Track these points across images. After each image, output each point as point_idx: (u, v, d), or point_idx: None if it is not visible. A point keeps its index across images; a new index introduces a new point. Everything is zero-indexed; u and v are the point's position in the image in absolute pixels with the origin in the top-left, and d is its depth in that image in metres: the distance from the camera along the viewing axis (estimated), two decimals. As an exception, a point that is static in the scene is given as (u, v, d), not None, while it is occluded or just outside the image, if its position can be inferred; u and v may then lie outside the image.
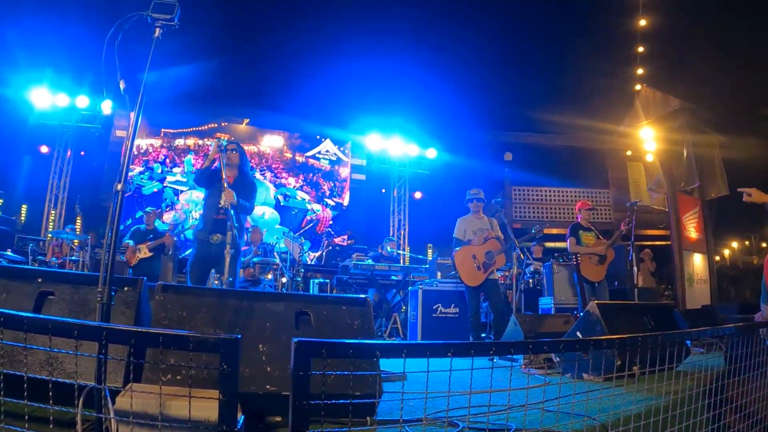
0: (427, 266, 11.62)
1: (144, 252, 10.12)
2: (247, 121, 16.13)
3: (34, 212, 14.46)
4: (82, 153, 14.56)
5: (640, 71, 18.92)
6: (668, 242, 18.58)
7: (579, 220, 9.57)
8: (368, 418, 2.95)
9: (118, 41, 2.96)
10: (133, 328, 2.00)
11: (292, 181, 16.46)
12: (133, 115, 2.93)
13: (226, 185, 6.20)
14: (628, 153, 20.17)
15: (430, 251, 15.19)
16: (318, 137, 16.94)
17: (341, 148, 17.16)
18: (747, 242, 38.92)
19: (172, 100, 14.71)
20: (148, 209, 10.95)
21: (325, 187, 16.88)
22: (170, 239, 10.30)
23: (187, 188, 14.85)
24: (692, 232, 18.65)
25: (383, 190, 17.41)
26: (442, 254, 12.13)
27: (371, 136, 16.45)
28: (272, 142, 16.39)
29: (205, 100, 15.90)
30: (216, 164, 6.51)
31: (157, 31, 3.01)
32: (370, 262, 10.82)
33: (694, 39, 15.83)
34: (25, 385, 1.89)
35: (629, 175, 20.63)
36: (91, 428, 2.36)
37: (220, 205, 6.33)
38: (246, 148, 14.96)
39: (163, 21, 3.00)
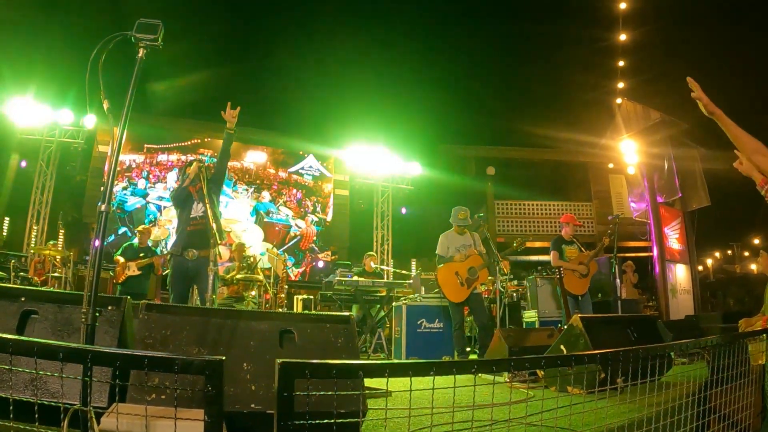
0: (411, 281, 11.62)
1: (133, 270, 10.07)
2: (229, 135, 16.13)
3: (16, 228, 14.35)
4: (72, 165, 14.43)
5: (621, 85, 19.10)
6: (650, 254, 18.71)
7: (563, 233, 9.62)
8: (353, 435, 2.96)
9: (101, 61, 2.97)
10: (119, 351, 2.00)
11: (275, 196, 16.45)
12: (116, 130, 2.94)
13: (204, 197, 6.18)
14: (610, 166, 20.33)
15: (413, 266, 15.21)
16: (301, 153, 16.96)
17: (324, 164, 17.19)
18: (729, 251, 39.27)
19: (155, 116, 14.70)
20: (140, 228, 10.93)
21: (309, 203, 16.89)
22: (159, 261, 10.26)
23: (170, 204, 14.84)
24: (674, 243, 18.80)
25: (363, 206, 17.41)
26: (426, 269, 12.15)
27: (354, 152, 16.45)
28: (255, 157, 16.39)
29: (188, 115, 15.91)
30: (191, 182, 6.51)
31: (141, 52, 3.02)
32: (354, 278, 10.81)
33: (673, 53, 16.03)
34: (11, 407, 1.89)
35: (611, 187, 20.80)
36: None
37: (193, 215, 6.35)
38: (229, 164, 15.01)
39: (147, 41, 3.01)
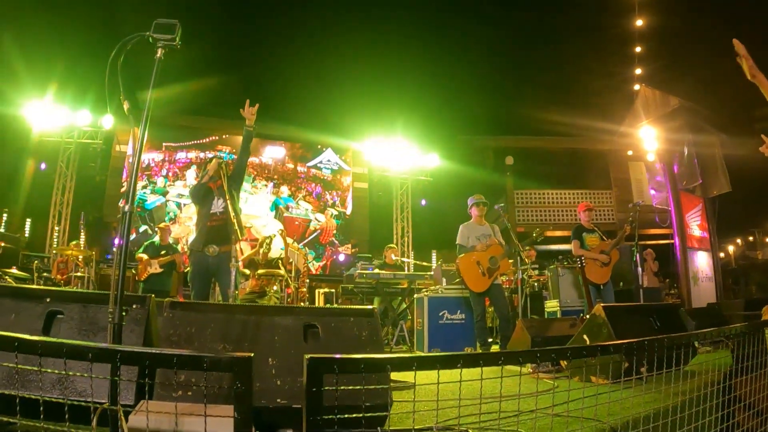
0: (432, 273, 11.61)
1: (155, 267, 10.17)
2: (248, 131, 16.15)
3: (38, 228, 14.50)
4: (92, 165, 14.49)
5: (638, 71, 18.94)
6: (671, 241, 18.57)
7: (581, 221, 9.59)
8: (379, 428, 2.96)
9: (120, 62, 2.98)
10: (147, 350, 2.02)
11: (294, 191, 16.49)
12: (137, 130, 2.95)
13: (226, 195, 6.22)
14: (629, 153, 20.18)
15: (434, 257, 15.19)
16: (319, 147, 16.97)
17: (343, 157, 17.19)
18: (751, 238, 38.87)
19: (173, 114, 14.77)
20: (161, 225, 11.02)
21: (328, 197, 16.91)
22: (180, 258, 10.35)
23: (190, 201, 14.91)
24: (695, 230, 18.65)
25: (385, 198, 17.38)
26: (447, 260, 12.12)
27: (372, 145, 16.43)
28: (274, 152, 16.43)
29: (206, 112, 15.97)
30: (212, 178, 6.54)
31: (159, 52, 3.04)
32: (375, 271, 10.82)
33: (691, 38, 15.87)
34: (41, 408, 1.91)
35: (631, 175, 20.65)
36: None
37: (213, 210, 6.38)
38: (249, 160, 15.08)
39: (165, 41, 3.02)
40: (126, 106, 2.99)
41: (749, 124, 14.72)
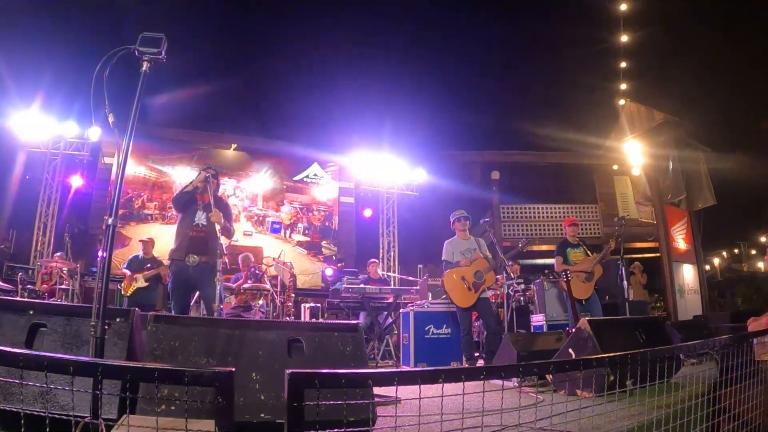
0: (418, 287, 11.62)
1: (140, 282, 10.08)
2: (234, 146, 16.11)
3: (23, 240, 14.39)
4: (78, 176, 14.38)
5: (623, 86, 19.09)
6: (657, 254, 18.67)
7: (567, 236, 9.64)
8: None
9: (105, 74, 2.98)
10: (129, 364, 2.01)
11: (279, 206, 16.45)
12: (122, 143, 2.95)
13: (212, 206, 6.20)
14: (615, 167, 20.30)
15: (420, 272, 15.18)
16: (306, 161, 16.95)
17: (329, 172, 17.17)
18: (736, 250, 39.17)
19: (158, 128, 14.73)
20: (145, 238, 10.93)
21: (314, 211, 16.88)
22: (166, 270, 10.26)
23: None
24: (681, 243, 18.75)
25: (371, 213, 17.38)
26: (433, 275, 12.12)
27: (359, 159, 16.44)
28: (260, 166, 16.39)
29: (192, 126, 15.94)
30: (198, 189, 6.49)
31: (145, 65, 3.04)
32: (361, 285, 10.82)
33: (675, 54, 16.04)
34: (22, 421, 1.89)
35: (616, 189, 20.75)
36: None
37: (196, 222, 6.32)
38: (233, 173, 14.97)
39: (151, 55, 3.03)
40: (111, 119, 2.99)
41: (734, 139, 14.87)
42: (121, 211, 13.97)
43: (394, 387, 1.83)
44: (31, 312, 3.25)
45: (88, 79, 2.96)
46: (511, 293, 10.14)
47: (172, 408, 2.79)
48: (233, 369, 1.63)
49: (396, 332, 10.30)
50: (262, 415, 2.91)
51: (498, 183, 19.83)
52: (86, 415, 2.41)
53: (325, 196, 17.07)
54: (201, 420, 2.01)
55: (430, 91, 17.91)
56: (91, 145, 14.41)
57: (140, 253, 10.61)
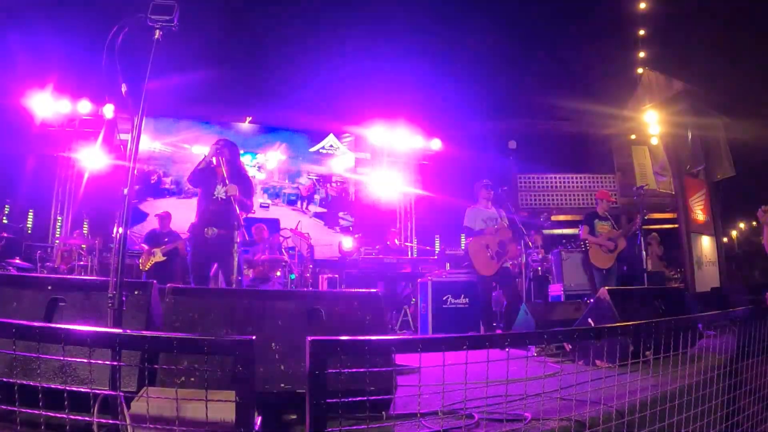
0: (435, 257, 11.59)
1: (158, 256, 10.11)
2: (249, 119, 16.04)
3: (41, 219, 14.46)
4: (94, 153, 14.34)
5: (642, 55, 18.84)
6: (675, 225, 18.53)
7: (597, 208, 9.62)
8: (383, 412, 2.95)
9: (118, 45, 2.94)
10: (147, 334, 1.99)
11: (296, 176, 16.41)
12: (136, 119, 2.92)
13: (227, 180, 6.20)
14: (633, 137, 20.09)
15: (437, 242, 15.13)
16: (322, 132, 16.84)
17: (345, 143, 17.07)
18: (754, 223, 38.80)
19: (172, 104, 14.68)
20: (161, 212, 10.92)
21: (331, 182, 16.82)
22: (183, 243, 10.26)
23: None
24: (699, 214, 18.60)
25: (389, 183, 17.28)
26: (450, 245, 12.08)
27: (375, 129, 16.31)
28: (275, 138, 16.33)
29: (206, 100, 15.83)
30: (212, 164, 6.50)
31: (157, 33, 3.00)
32: (379, 255, 10.83)
33: (694, 21, 15.76)
34: (40, 395, 1.88)
35: (634, 159, 20.53)
36: (109, 434, 2.35)
37: (215, 195, 6.34)
38: (248, 146, 14.91)
39: (163, 23, 2.99)
40: (124, 89, 2.96)
41: (754, 108, 14.64)
42: (137, 187, 14.00)
43: (413, 355, 1.80)
44: (49, 287, 3.24)
45: (101, 54, 2.93)
46: (530, 263, 10.12)
47: (192, 379, 2.78)
48: (253, 337, 1.60)
49: (414, 302, 10.31)
50: (283, 385, 2.90)
51: (515, 152, 19.67)
52: (105, 388, 2.41)
53: (342, 167, 16.99)
54: (222, 391, 1.99)
55: (446, 60, 17.68)
56: (107, 122, 14.41)
57: (157, 227, 10.63)
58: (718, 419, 3.27)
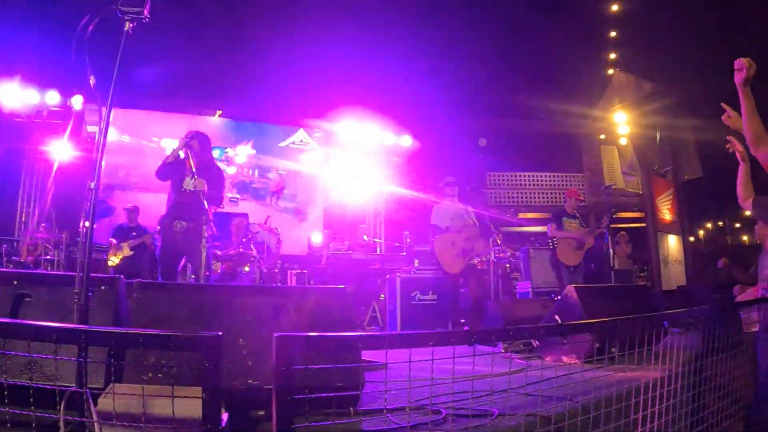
0: (404, 253, 11.62)
1: (126, 251, 10.00)
2: (219, 113, 15.90)
3: (7, 212, 14.21)
4: (62, 146, 14.11)
5: (613, 56, 19.06)
6: (643, 224, 18.78)
7: (566, 207, 9.72)
8: (351, 408, 2.95)
9: (87, 36, 2.91)
10: (113, 330, 1.98)
11: (266, 171, 16.31)
12: (104, 111, 2.89)
13: (195, 174, 6.17)
14: (602, 137, 20.30)
15: (406, 238, 15.16)
16: (292, 127, 16.75)
17: (315, 138, 16.98)
18: (721, 223, 39.52)
19: (142, 97, 14.52)
20: (129, 206, 10.81)
21: (300, 177, 16.72)
22: (150, 237, 10.17)
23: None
24: (666, 213, 18.89)
25: (359, 179, 17.25)
26: (418, 241, 12.11)
27: (346, 125, 16.27)
28: (245, 133, 16.21)
29: (176, 93, 15.68)
30: (180, 157, 6.48)
31: (127, 25, 2.97)
32: (348, 251, 10.84)
33: (665, 23, 15.96)
34: (5, 392, 1.87)
35: (603, 158, 20.72)
36: (75, 431, 2.34)
37: (184, 188, 6.31)
38: (218, 140, 14.76)
39: (133, 14, 2.96)
40: (92, 80, 2.93)
41: (722, 110, 14.91)
42: (105, 180, 13.82)
43: (381, 351, 1.81)
44: (15, 282, 3.20)
45: (71, 45, 2.90)
46: (497, 261, 10.20)
47: (160, 376, 2.77)
48: (220, 333, 1.60)
49: (382, 298, 10.33)
50: (250, 380, 2.90)
51: (485, 150, 19.75)
52: (72, 385, 2.38)
53: (312, 162, 16.88)
54: (189, 387, 1.98)
55: (418, 57, 17.69)
56: (75, 114, 14.20)
57: (125, 221, 10.52)
58: (684, 415, 3.33)
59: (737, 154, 4.47)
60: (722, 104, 3.88)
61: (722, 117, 4.28)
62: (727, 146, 4.66)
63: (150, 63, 12.78)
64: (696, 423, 3.44)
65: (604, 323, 2.73)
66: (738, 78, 3.35)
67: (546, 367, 4.09)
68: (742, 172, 4.48)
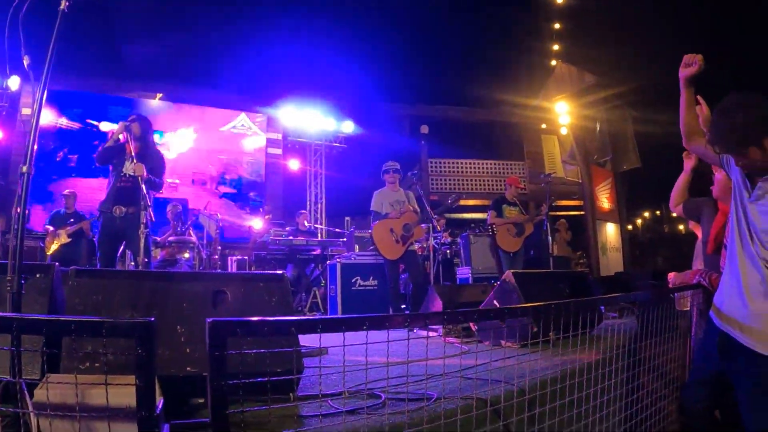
0: (345, 239, 11.65)
1: (63, 238, 9.78)
2: (160, 96, 15.63)
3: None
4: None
5: (556, 47, 19.33)
6: (582, 212, 19.19)
7: (506, 194, 9.86)
8: (290, 394, 2.97)
9: (22, 14, 2.84)
10: (45, 317, 1.94)
11: (206, 156, 16.07)
12: (38, 92, 2.83)
13: (134, 158, 6.09)
14: (543, 126, 20.61)
15: (347, 224, 15.17)
16: (233, 111, 16.56)
17: (257, 123, 16.82)
18: (658, 212, 40.60)
19: (80, 78, 14.17)
20: (66, 192, 10.56)
21: (242, 163, 16.57)
22: (87, 224, 9.98)
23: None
24: (605, 202, 19.34)
25: (299, 164, 17.20)
26: (360, 227, 12.14)
27: (287, 110, 16.19)
28: (186, 117, 15.96)
29: (116, 75, 15.35)
30: (120, 141, 6.39)
31: (63, 3, 2.90)
32: (288, 237, 10.81)
33: (609, 17, 16.25)
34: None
35: (544, 147, 21.06)
36: (10, 424, 2.30)
37: (124, 173, 6.23)
38: (159, 124, 14.48)
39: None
40: (26, 61, 2.86)
41: (661, 103, 15.27)
42: (42, 164, 13.48)
43: (325, 338, 1.83)
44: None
45: (3, 25, 2.82)
46: (438, 246, 10.30)
47: (97, 365, 2.73)
48: (152, 318, 1.59)
49: (323, 284, 10.34)
50: (189, 368, 2.88)
51: (426, 137, 19.85)
52: (7, 376, 2.34)
53: (253, 147, 16.74)
54: (127, 376, 1.97)
55: (360, 43, 17.69)
56: (10, 96, 13.79)
57: (62, 208, 10.29)
58: (620, 396, 3.42)
59: (689, 162, 4.60)
60: (698, 97, 4.00)
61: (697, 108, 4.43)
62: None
63: (89, 43, 12.47)
64: (632, 403, 3.55)
65: (539, 307, 2.79)
66: (686, 73, 3.45)
67: (484, 350, 4.17)
68: (683, 181, 4.62)
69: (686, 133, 3.47)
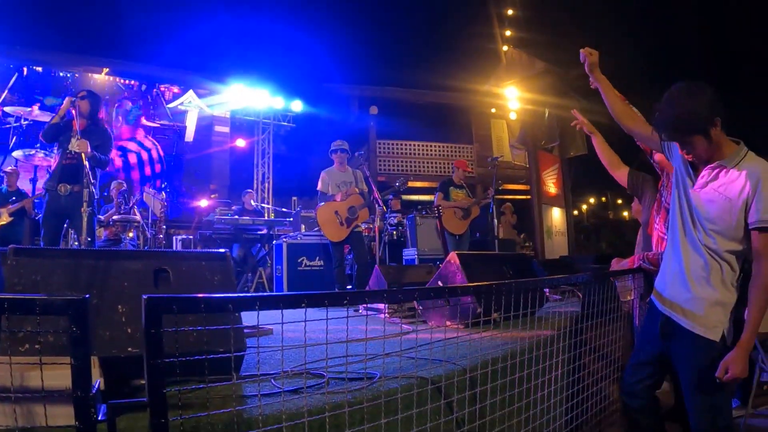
0: (292, 219, 11.59)
1: (4, 217, 9.51)
2: (106, 70, 15.24)
3: None
4: None
5: (508, 33, 19.48)
6: (528, 196, 19.47)
7: (453, 177, 9.94)
8: (234, 374, 2.95)
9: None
10: (-28, 296, 1.90)
11: (152, 132, 15.78)
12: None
13: (78, 134, 5.97)
14: (492, 111, 20.76)
15: (294, 204, 15.14)
16: (181, 88, 16.26)
17: (204, 100, 16.54)
18: (603, 198, 41.43)
19: (21, 52, 13.75)
20: (8, 169, 10.28)
21: (188, 140, 16.28)
22: (30, 202, 9.74)
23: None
24: (551, 187, 19.67)
25: (245, 143, 17.02)
26: (307, 207, 12.10)
27: (235, 88, 15.98)
28: (133, 93, 15.63)
29: (60, 49, 14.92)
30: (66, 118, 6.27)
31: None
32: (234, 216, 10.73)
33: (561, 5, 16.44)
34: None
35: (492, 132, 21.21)
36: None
37: (69, 150, 6.12)
38: (105, 101, 14.16)
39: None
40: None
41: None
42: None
43: (272, 316, 1.82)
44: None
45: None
46: (386, 227, 10.34)
47: (37, 347, 2.67)
48: (87, 296, 1.57)
49: (269, 264, 10.29)
50: (130, 348, 2.83)
51: (376, 118, 19.82)
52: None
53: (200, 125, 16.49)
54: (63, 356, 1.94)
55: (310, 23, 17.56)
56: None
57: (4, 185, 10.01)
58: (562, 375, 3.50)
59: (584, 129, 4.70)
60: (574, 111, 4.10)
61: (573, 123, 4.58)
62: (573, 123, 4.88)
63: (32, 14, 12.12)
64: (574, 383, 3.64)
65: (481, 287, 2.83)
66: (587, 64, 3.54)
67: (428, 330, 4.20)
68: (597, 143, 4.72)
69: (619, 118, 3.54)
